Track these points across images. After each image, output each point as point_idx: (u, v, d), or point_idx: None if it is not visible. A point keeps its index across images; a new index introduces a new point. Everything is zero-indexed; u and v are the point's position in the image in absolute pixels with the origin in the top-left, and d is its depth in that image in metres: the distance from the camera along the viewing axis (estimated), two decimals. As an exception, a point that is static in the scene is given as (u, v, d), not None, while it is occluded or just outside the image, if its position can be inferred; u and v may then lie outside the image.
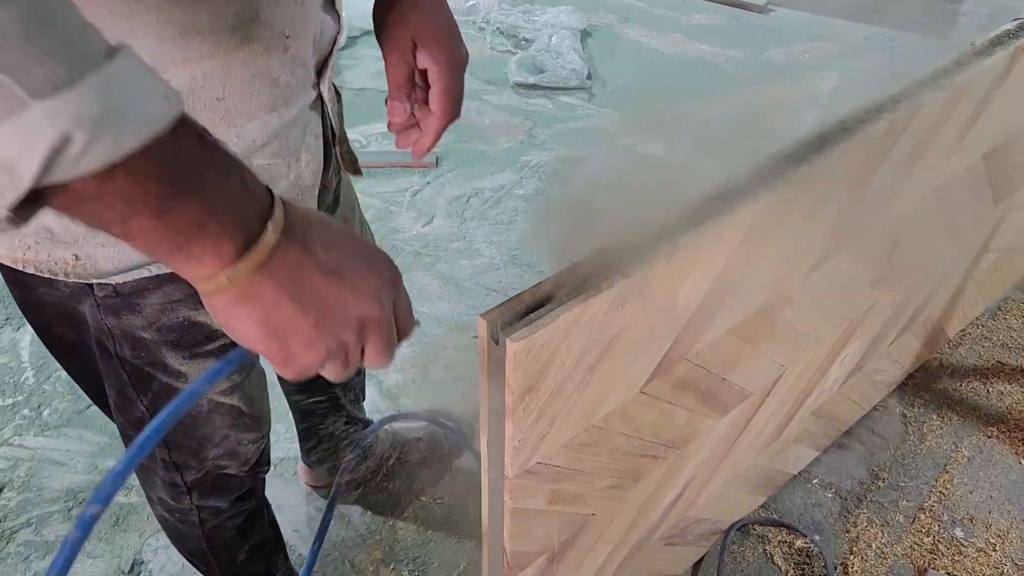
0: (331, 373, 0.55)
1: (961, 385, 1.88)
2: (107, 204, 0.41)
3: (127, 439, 0.97)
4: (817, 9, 3.71)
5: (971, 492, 1.64)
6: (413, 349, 1.92)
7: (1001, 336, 2.02)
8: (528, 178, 2.55)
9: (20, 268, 0.73)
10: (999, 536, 1.56)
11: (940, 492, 1.64)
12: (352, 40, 3.30)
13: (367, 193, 2.44)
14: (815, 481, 1.66)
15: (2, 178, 0.37)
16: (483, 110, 2.92)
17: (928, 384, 1.88)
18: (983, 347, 1.99)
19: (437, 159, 2.60)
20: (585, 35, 3.39)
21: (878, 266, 1.34)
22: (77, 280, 0.74)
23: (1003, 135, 1.45)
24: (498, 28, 3.38)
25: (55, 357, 0.94)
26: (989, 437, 1.76)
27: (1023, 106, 1.44)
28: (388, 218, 2.36)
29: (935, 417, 1.80)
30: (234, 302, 0.48)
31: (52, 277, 0.73)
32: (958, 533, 1.57)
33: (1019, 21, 1.32)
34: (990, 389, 1.88)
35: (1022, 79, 1.34)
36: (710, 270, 0.93)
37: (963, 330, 2.03)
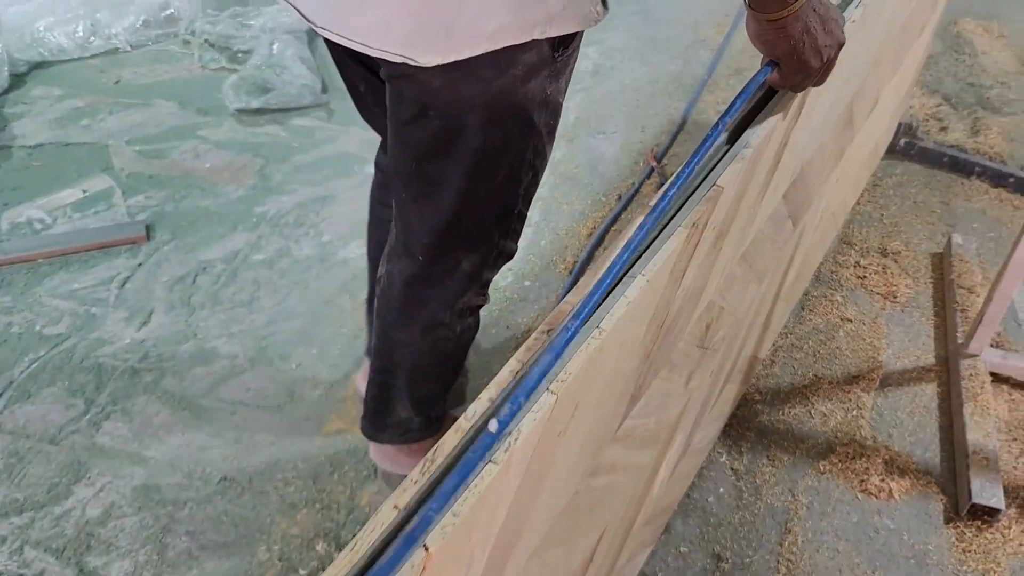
0: (810, 82, 0.94)
1: (783, 414, 1.75)
2: None
3: (498, 208, 1.10)
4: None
5: (817, 550, 1.50)
6: (140, 514, 1.50)
7: (811, 343, 1.92)
8: (268, 235, 2.15)
9: (577, 30, 0.95)
10: (855, 600, 1.43)
11: (788, 560, 1.48)
12: (19, 79, 2.69)
13: (56, 294, 1.94)
14: (656, 583, 1.45)
15: None
16: (200, 151, 2.46)
17: (750, 421, 1.73)
18: (796, 360, 1.88)
19: (148, 229, 2.13)
20: (313, 36, 2.98)
21: (691, 361, 1.12)
22: (578, 29, 0.95)
23: (800, 165, 1.27)
24: (207, 40, 2.88)
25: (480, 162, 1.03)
26: (822, 473, 1.63)
27: (815, 129, 1.26)
28: (90, 325, 1.88)
29: (765, 462, 1.65)
30: (781, 26, 0.85)
31: (581, 29, 0.96)
32: (815, 610, 1.42)
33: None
34: (812, 411, 1.76)
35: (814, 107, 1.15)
36: (487, 535, 0.64)
37: (774, 344, 1.90)
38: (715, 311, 1.12)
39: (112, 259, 2.05)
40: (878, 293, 2.06)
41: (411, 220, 1.13)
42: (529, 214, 1.16)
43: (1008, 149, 2.57)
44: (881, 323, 1.99)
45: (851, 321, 1.98)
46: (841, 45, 0.91)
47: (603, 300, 0.73)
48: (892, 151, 2.53)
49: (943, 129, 2.66)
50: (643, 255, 0.78)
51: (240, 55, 2.83)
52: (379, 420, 1.42)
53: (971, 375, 1.78)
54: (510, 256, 1.20)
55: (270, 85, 2.63)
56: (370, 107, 1.24)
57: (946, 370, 1.88)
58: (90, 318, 1.89)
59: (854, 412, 1.76)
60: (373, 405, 1.42)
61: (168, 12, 2.95)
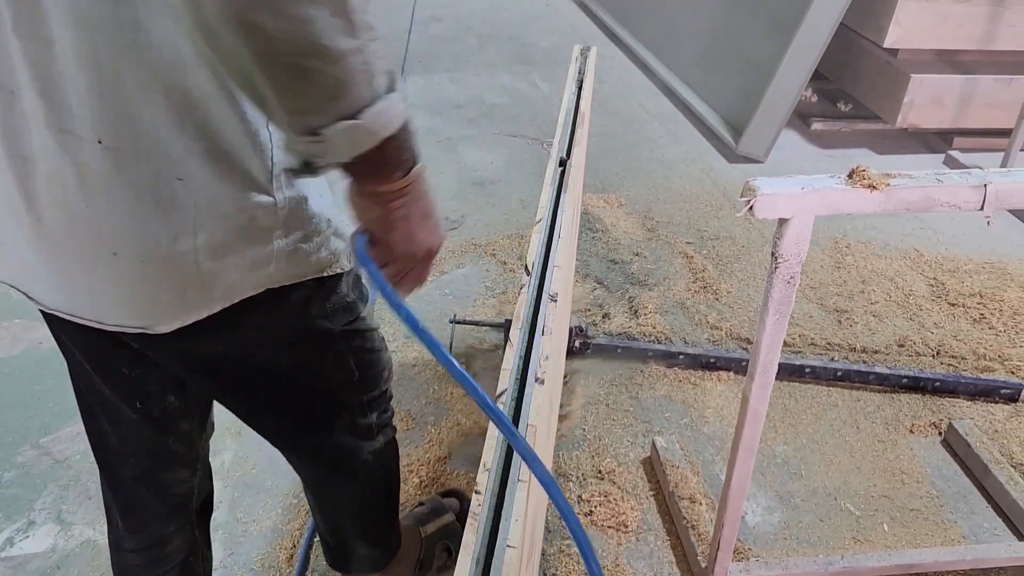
0: (419, 279, 0.98)
1: None
2: (378, 154, 0.79)
3: (342, 411, 1.28)
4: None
5: None
6: None
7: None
8: None
9: (325, 274, 1.06)
10: None
11: None
12: None
13: None
14: None
15: (366, 138, 0.76)
16: None
17: None
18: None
19: None
20: None
21: None
22: (315, 276, 1.05)
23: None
24: None
25: (262, 405, 1.21)
26: None
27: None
28: None
29: None
30: (397, 207, 0.88)
31: (336, 272, 1.08)
32: None
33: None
34: None
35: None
36: None
37: (530, 635, 1.72)
38: None
39: None
40: (610, 527, 2.00)
41: (287, 445, 1.34)
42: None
43: (667, 324, 2.74)
44: (624, 564, 1.91)
45: (596, 572, 1.87)
46: (439, 246, 0.97)
47: None
48: (571, 353, 2.57)
49: (606, 316, 2.78)
50: None
51: None
52: (345, 560, 1.57)
53: (727, 603, 1.75)
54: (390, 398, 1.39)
55: None
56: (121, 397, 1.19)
57: (700, 598, 1.84)
58: None
59: None
60: (335, 551, 1.57)
61: None
